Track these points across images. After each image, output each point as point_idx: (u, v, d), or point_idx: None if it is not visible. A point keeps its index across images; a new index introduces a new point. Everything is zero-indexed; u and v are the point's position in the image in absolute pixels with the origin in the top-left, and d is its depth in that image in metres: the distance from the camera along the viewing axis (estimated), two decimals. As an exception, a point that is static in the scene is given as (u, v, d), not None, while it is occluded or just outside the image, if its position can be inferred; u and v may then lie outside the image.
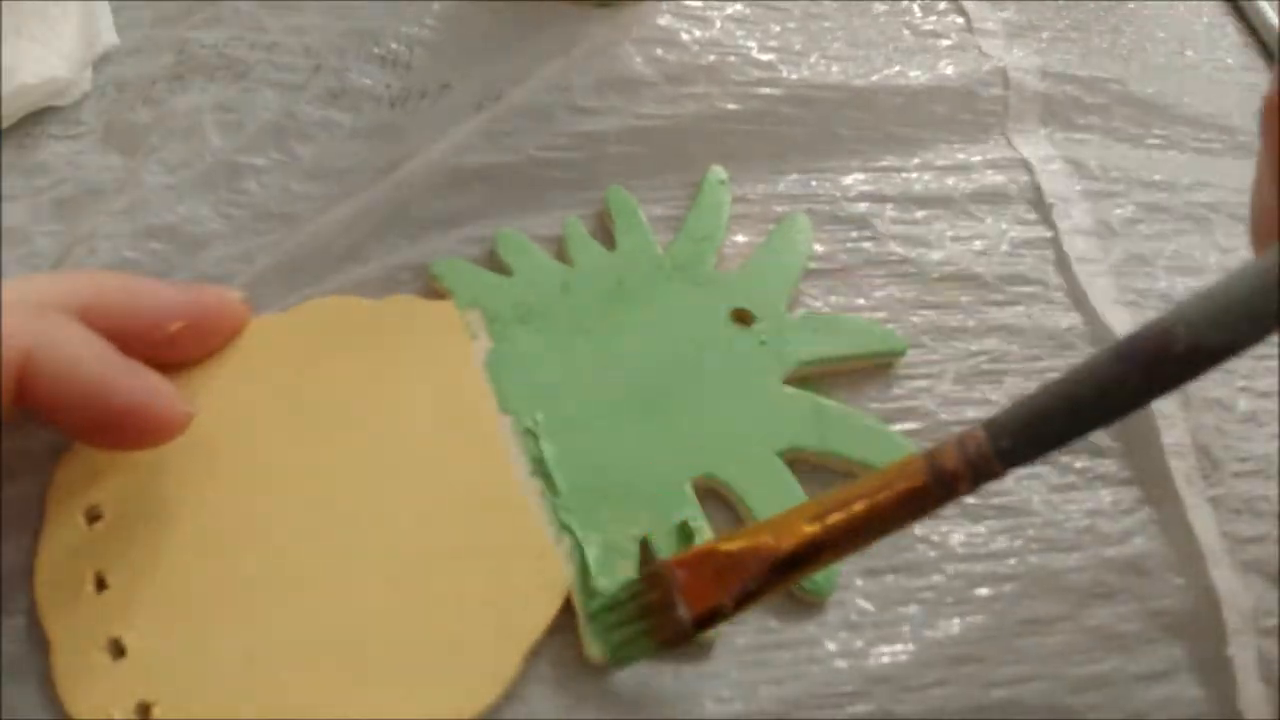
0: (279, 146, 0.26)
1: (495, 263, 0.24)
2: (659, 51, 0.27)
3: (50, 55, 0.26)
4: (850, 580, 0.20)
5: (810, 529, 0.16)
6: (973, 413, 0.23)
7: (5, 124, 0.26)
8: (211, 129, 0.26)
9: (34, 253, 0.24)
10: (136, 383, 0.18)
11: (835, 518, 0.16)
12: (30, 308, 0.18)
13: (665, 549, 0.20)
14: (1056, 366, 0.24)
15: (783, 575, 0.17)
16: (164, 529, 0.19)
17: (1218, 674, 0.20)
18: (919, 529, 0.21)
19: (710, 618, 0.17)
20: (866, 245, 0.25)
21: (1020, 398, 0.15)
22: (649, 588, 0.18)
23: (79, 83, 0.27)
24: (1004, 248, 0.26)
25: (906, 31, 0.30)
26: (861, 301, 0.24)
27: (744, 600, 0.17)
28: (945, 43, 0.30)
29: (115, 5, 0.29)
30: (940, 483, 0.16)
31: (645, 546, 0.19)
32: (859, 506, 0.16)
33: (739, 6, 0.29)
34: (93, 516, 0.19)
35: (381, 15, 0.29)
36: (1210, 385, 0.24)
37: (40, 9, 0.27)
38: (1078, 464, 0.22)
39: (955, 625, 0.20)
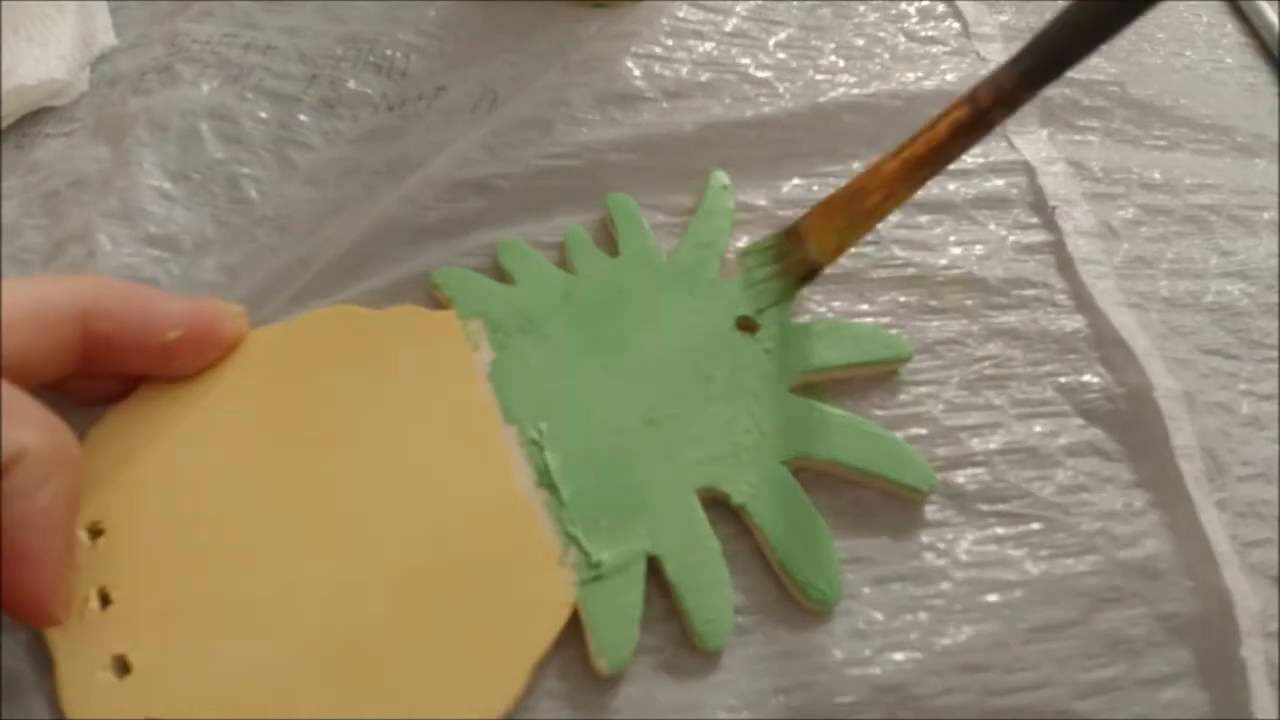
0: (277, 154, 0.26)
1: (498, 272, 0.24)
2: (657, 68, 0.27)
3: (48, 56, 0.26)
4: (858, 589, 0.20)
5: (889, 166, 0.21)
6: (977, 418, 0.23)
7: (4, 124, 0.26)
8: (209, 136, 0.26)
9: (24, 247, 0.24)
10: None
11: (907, 152, 0.20)
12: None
13: (672, 559, 0.19)
14: (1062, 371, 0.24)
15: (882, 208, 0.21)
16: (167, 544, 0.19)
17: (1228, 677, 0.20)
18: (925, 537, 0.21)
19: (835, 253, 0.22)
20: (869, 250, 0.25)
21: (1037, 32, 0.18)
22: (782, 240, 0.23)
23: (76, 83, 0.27)
24: (1007, 251, 0.26)
25: (903, 38, 0.30)
26: (865, 307, 0.24)
27: (852, 230, 0.22)
28: (943, 48, 0.30)
29: (113, 5, 0.29)
30: (979, 110, 0.19)
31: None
32: (921, 147, 0.20)
33: (735, 22, 0.29)
34: (95, 532, 0.19)
35: (375, 17, 0.29)
36: (1213, 388, 0.24)
37: (39, 10, 0.27)
38: (1086, 467, 0.22)
39: (964, 633, 0.20)
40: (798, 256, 0.22)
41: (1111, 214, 0.27)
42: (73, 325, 0.19)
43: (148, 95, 0.26)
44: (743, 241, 0.25)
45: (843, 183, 0.26)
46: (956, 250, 0.26)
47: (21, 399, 0.17)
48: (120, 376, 0.21)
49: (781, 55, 0.29)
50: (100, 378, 0.20)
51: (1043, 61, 0.18)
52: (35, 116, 0.27)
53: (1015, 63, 0.18)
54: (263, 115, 0.26)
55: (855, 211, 0.21)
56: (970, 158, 0.28)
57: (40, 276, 0.20)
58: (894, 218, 0.26)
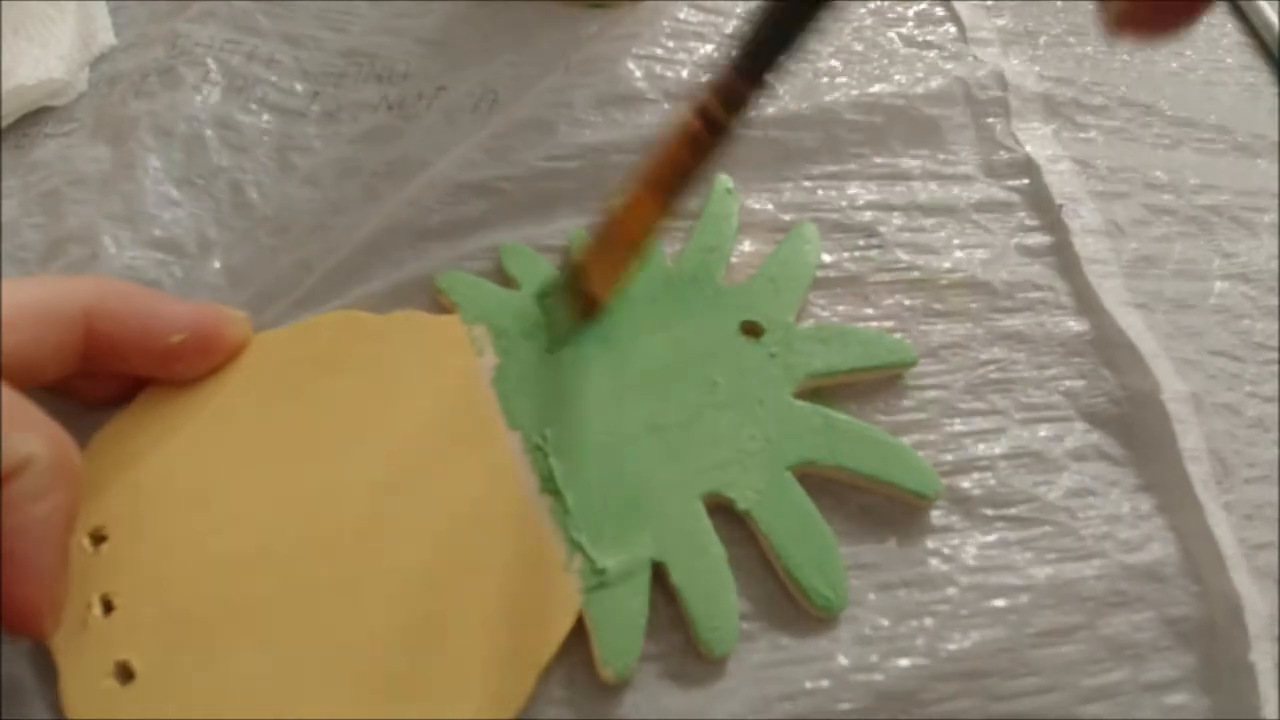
0: (279, 159, 0.26)
1: (501, 276, 0.23)
2: (658, 69, 0.27)
3: (48, 56, 0.26)
4: (863, 595, 0.20)
5: (635, 194, 0.20)
6: (982, 423, 0.23)
7: (3, 124, 0.26)
8: (213, 142, 0.26)
9: (22, 245, 0.24)
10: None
11: (650, 176, 0.19)
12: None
13: (677, 566, 0.19)
14: (1067, 374, 0.24)
15: (637, 234, 0.20)
16: (170, 550, 0.19)
17: (1236, 681, 0.20)
18: (930, 542, 0.21)
19: (609, 286, 0.21)
20: (874, 254, 0.25)
21: (747, 24, 0.18)
22: (567, 276, 0.22)
23: (76, 83, 0.27)
24: (1011, 254, 0.26)
25: (900, 42, 0.30)
26: (870, 311, 0.24)
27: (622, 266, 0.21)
28: (940, 53, 0.30)
29: (111, 4, 0.29)
30: (709, 120, 0.18)
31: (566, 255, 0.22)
32: (661, 169, 0.19)
33: (736, 24, 0.29)
34: (98, 538, 0.19)
35: (375, 26, 0.29)
36: (1220, 390, 0.24)
37: (38, 10, 0.27)
38: (1092, 471, 0.22)
39: (969, 638, 0.20)
40: (581, 293, 0.21)
41: (1117, 212, 0.27)
42: (75, 325, 0.19)
43: (150, 98, 0.26)
44: (747, 246, 0.25)
45: (847, 188, 0.26)
46: (960, 253, 0.25)
47: (27, 407, 0.17)
48: (122, 378, 0.21)
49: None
50: (102, 378, 0.20)
51: (753, 50, 0.18)
52: (35, 116, 0.27)
53: (730, 60, 0.18)
54: (267, 125, 0.26)
55: (621, 244, 0.20)
56: (972, 159, 0.27)
57: (43, 276, 0.20)
58: (897, 221, 0.26)
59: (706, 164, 0.19)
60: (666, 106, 0.27)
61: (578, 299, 0.21)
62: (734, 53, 0.18)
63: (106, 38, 0.28)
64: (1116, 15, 0.16)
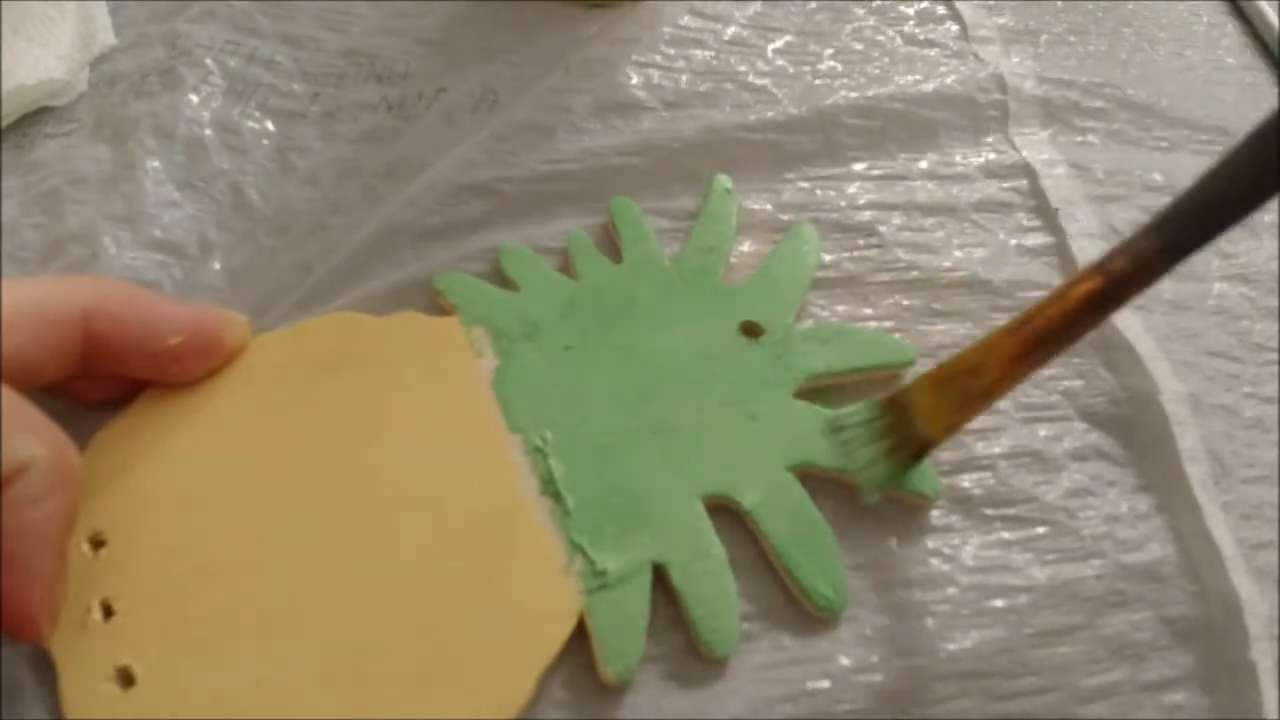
0: (279, 160, 0.26)
1: (500, 277, 0.23)
2: (656, 77, 0.27)
3: (48, 56, 0.26)
4: (864, 595, 0.20)
5: (1007, 343, 0.18)
6: (982, 422, 0.23)
7: (3, 124, 0.26)
8: (214, 145, 0.26)
9: (21, 245, 0.24)
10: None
11: (1028, 328, 0.18)
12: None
13: (678, 567, 0.19)
14: (1066, 374, 0.24)
15: (998, 387, 0.19)
16: (170, 554, 0.19)
17: (1235, 680, 0.20)
18: (931, 542, 0.21)
19: (948, 432, 0.20)
20: (873, 254, 0.25)
21: (1179, 195, 0.16)
22: (885, 412, 0.20)
23: (76, 83, 0.27)
24: (1010, 254, 0.26)
25: (901, 41, 0.30)
26: (869, 311, 0.24)
27: (958, 421, 0.19)
28: (942, 51, 0.30)
29: (111, 4, 0.29)
30: (1112, 282, 0.17)
31: None
32: (1042, 322, 0.18)
33: (734, 29, 0.29)
34: (97, 542, 0.19)
35: (375, 26, 0.29)
36: (1218, 391, 0.24)
37: (38, 10, 0.27)
38: (1091, 470, 0.22)
39: (970, 638, 0.20)
40: (906, 433, 0.20)
41: (1115, 215, 0.27)
42: (74, 325, 0.19)
43: (150, 98, 0.26)
44: (746, 247, 0.25)
45: (846, 188, 0.26)
46: (959, 253, 0.25)
47: (28, 410, 0.17)
48: (121, 380, 0.21)
49: (781, 61, 0.29)
50: (101, 380, 0.20)
51: (1188, 230, 0.16)
52: (34, 116, 0.27)
53: (1157, 230, 0.17)
54: (267, 127, 0.26)
55: (969, 390, 0.19)
56: (972, 160, 0.28)
57: (43, 276, 0.20)
58: (896, 220, 0.26)
59: (1091, 328, 0.18)
60: (665, 114, 0.27)
61: (902, 438, 0.20)
62: (1163, 224, 0.17)
63: (106, 38, 0.28)
64: None
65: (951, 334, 0.24)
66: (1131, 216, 0.27)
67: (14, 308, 0.18)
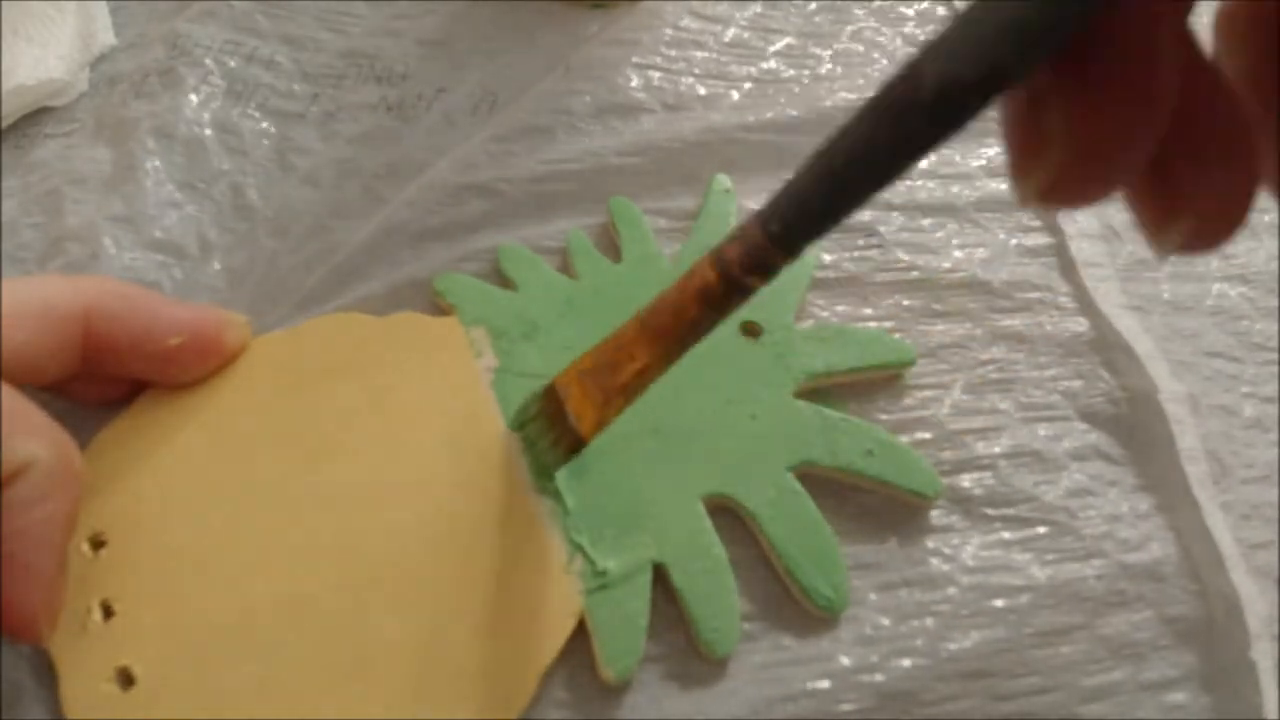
0: (279, 161, 0.26)
1: (499, 277, 0.23)
2: (656, 79, 0.27)
3: (48, 56, 0.26)
4: (864, 595, 0.20)
5: (632, 335, 0.18)
6: (982, 422, 0.23)
7: (4, 124, 0.26)
8: (214, 146, 0.26)
9: (21, 245, 0.24)
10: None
11: (654, 322, 0.17)
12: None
13: (678, 567, 0.19)
14: (1066, 375, 0.24)
15: (625, 398, 0.18)
16: (170, 555, 0.19)
17: (1235, 679, 0.20)
18: (931, 542, 0.21)
19: (596, 428, 0.19)
20: (873, 254, 0.25)
21: (789, 179, 0.14)
22: (545, 403, 0.20)
23: (76, 83, 0.27)
24: (1010, 254, 0.26)
25: (901, 42, 0.30)
26: (869, 311, 0.24)
27: (609, 408, 0.19)
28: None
29: (111, 4, 0.29)
30: (729, 278, 0.15)
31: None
32: (666, 317, 0.17)
33: (734, 31, 0.29)
34: (97, 543, 0.19)
35: (375, 28, 0.29)
36: (1216, 391, 0.24)
37: (39, 10, 0.27)
38: (1091, 470, 0.22)
39: (970, 638, 0.20)
40: (562, 427, 0.19)
41: (1114, 216, 0.27)
42: (75, 325, 0.19)
43: (150, 99, 0.26)
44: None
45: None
46: (959, 253, 0.25)
47: (30, 410, 0.17)
48: (121, 380, 0.21)
49: (781, 63, 0.29)
50: (101, 380, 0.20)
51: (796, 223, 0.14)
52: (34, 116, 0.27)
53: (762, 220, 0.15)
54: (267, 128, 0.26)
55: (608, 386, 0.18)
56: (972, 160, 0.28)
57: (44, 276, 0.20)
58: (898, 220, 0.26)
59: (716, 322, 0.17)
60: (664, 116, 0.27)
61: (560, 432, 0.19)
62: (771, 215, 0.14)
63: (106, 38, 0.28)
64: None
65: (951, 334, 0.24)
66: (1128, 216, 0.27)
67: (14, 307, 0.18)
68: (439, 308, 0.23)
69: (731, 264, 0.15)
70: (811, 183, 0.14)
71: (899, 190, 0.27)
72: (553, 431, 0.19)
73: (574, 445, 0.19)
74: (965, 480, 0.22)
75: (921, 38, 0.30)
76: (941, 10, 0.31)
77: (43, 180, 0.25)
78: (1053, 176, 0.12)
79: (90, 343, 0.19)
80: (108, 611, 0.18)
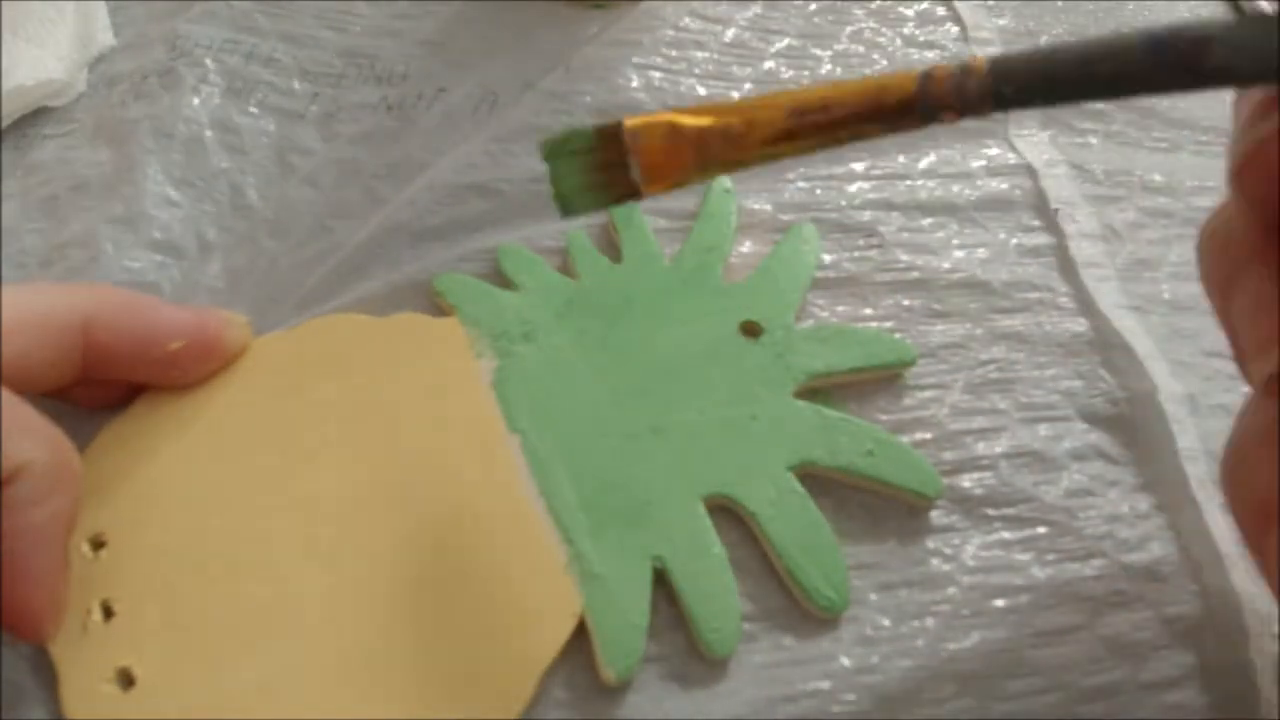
0: (279, 161, 0.26)
1: (500, 278, 0.23)
2: (657, 80, 0.27)
3: (47, 57, 0.26)
4: (865, 595, 0.20)
5: (786, 123, 0.16)
6: (982, 422, 0.23)
7: (2, 125, 0.26)
8: (213, 145, 0.26)
9: (22, 250, 0.24)
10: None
11: (813, 118, 0.16)
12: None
13: (679, 567, 0.19)
14: (1065, 375, 0.24)
15: (748, 154, 0.17)
16: (170, 555, 0.19)
17: (1234, 679, 0.20)
18: (931, 542, 0.21)
19: (662, 187, 0.17)
20: (873, 254, 0.25)
21: (1034, 48, 0.15)
22: (604, 144, 0.18)
23: (75, 84, 0.27)
24: (1010, 254, 0.26)
25: (901, 42, 0.30)
26: (869, 311, 0.24)
27: (702, 172, 0.17)
28: (941, 53, 0.30)
29: (110, 5, 0.29)
30: (927, 105, 0.15)
31: None
32: (839, 112, 0.16)
33: (734, 32, 0.29)
34: (97, 543, 0.19)
35: (375, 27, 0.29)
36: (1216, 391, 0.24)
37: (37, 10, 0.27)
38: (1091, 470, 0.22)
39: (971, 638, 0.20)
40: (616, 175, 0.17)
41: (1114, 216, 0.27)
42: (74, 335, 0.19)
43: (150, 100, 0.26)
44: (746, 247, 0.25)
45: (847, 188, 0.26)
46: (960, 253, 0.25)
47: (27, 412, 0.17)
48: (121, 384, 0.21)
49: (781, 64, 0.29)
50: (101, 384, 0.20)
51: (1028, 92, 0.15)
52: (33, 117, 0.26)
53: (994, 74, 0.15)
54: (266, 128, 0.26)
55: (713, 155, 0.17)
56: (972, 160, 0.28)
57: (41, 284, 0.19)
58: (896, 221, 0.26)
59: (878, 135, 0.16)
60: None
61: (611, 178, 0.17)
62: (1007, 77, 0.15)
63: (106, 38, 0.28)
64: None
65: (951, 334, 0.24)
66: (1131, 217, 0.27)
67: (13, 317, 0.18)
68: (439, 308, 0.23)
69: (939, 85, 0.15)
70: (1061, 72, 0.14)
71: (899, 189, 0.27)
72: (601, 174, 0.18)
73: (626, 195, 0.17)
74: (965, 480, 0.22)
75: (921, 39, 0.30)
76: (941, 10, 0.31)
77: (43, 184, 0.25)
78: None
79: (90, 352, 0.19)
80: (108, 612, 0.18)
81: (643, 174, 0.17)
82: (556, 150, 0.18)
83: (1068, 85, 0.15)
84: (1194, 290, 0.26)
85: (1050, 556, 0.21)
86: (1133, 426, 0.23)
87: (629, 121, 0.17)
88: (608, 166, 0.17)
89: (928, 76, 0.15)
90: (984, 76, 0.15)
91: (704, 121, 0.17)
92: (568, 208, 0.18)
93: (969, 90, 0.15)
